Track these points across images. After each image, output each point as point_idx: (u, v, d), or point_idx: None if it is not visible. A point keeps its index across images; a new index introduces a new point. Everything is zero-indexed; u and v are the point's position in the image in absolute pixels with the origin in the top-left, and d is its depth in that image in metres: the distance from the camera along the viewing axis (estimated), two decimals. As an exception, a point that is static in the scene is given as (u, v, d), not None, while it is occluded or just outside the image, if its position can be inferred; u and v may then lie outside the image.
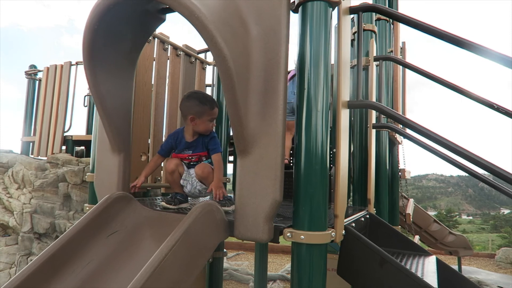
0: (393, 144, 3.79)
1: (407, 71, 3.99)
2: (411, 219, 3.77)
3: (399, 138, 4.01)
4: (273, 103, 1.54)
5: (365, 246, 1.72)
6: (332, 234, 1.56)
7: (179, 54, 2.90)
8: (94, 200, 2.12)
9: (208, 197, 2.37)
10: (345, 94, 1.74)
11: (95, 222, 1.66)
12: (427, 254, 2.26)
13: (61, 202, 5.01)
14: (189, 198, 2.06)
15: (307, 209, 1.51)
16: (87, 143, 6.05)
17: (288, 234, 1.52)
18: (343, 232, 1.68)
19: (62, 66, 5.71)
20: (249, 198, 1.54)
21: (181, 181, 1.98)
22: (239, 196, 1.56)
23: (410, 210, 3.81)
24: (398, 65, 3.60)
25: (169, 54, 2.79)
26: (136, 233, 1.73)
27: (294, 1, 1.65)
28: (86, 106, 6.83)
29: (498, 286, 6.35)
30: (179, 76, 2.90)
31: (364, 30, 2.70)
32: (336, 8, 1.68)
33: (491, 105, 2.25)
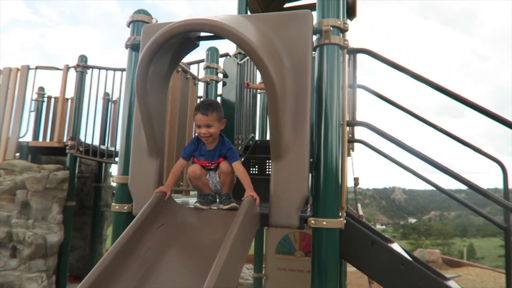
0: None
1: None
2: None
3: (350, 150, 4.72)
4: (302, 120, 2.00)
5: (359, 232, 2.24)
6: (343, 221, 2.05)
7: (179, 70, 3.22)
8: (123, 199, 2.35)
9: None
10: (346, 114, 2.27)
11: (149, 217, 1.94)
12: (391, 241, 2.87)
13: (18, 210, 4.82)
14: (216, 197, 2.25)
15: (327, 203, 1.99)
16: (43, 150, 5.84)
17: (313, 221, 1.98)
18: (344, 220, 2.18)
19: (18, 69, 5.51)
20: (283, 193, 1.96)
21: None
22: (274, 192, 1.98)
23: (361, 212, 4.49)
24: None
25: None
26: (179, 225, 2.04)
27: (313, 43, 2.14)
28: (33, 111, 6.53)
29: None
30: (178, 90, 3.21)
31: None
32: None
33: (434, 126, 2.98)
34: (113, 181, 2.39)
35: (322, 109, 2.08)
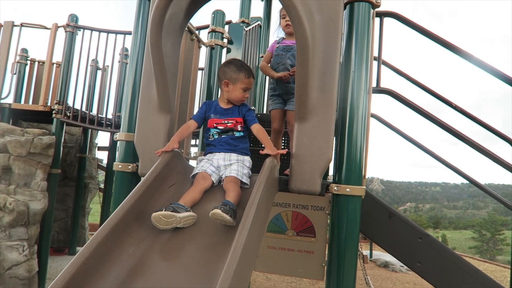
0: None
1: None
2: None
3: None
4: (330, 81, 1.86)
5: (377, 203, 2.15)
6: (365, 189, 1.95)
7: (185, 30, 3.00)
8: (127, 158, 2.17)
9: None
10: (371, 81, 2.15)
11: (159, 177, 1.78)
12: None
13: (-1, 175, 4.54)
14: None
15: (351, 169, 1.88)
16: (25, 115, 5.52)
17: (335, 188, 1.87)
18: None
19: (0, 25, 5.12)
20: (307, 157, 1.83)
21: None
22: (297, 155, 1.85)
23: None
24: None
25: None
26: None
27: (343, -1, 1.99)
28: (15, 74, 6.14)
29: (401, 265, 7.57)
30: (182, 51, 3.01)
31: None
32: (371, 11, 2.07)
33: (449, 104, 2.89)
34: (116, 139, 2.19)
35: (349, 72, 1.95)
